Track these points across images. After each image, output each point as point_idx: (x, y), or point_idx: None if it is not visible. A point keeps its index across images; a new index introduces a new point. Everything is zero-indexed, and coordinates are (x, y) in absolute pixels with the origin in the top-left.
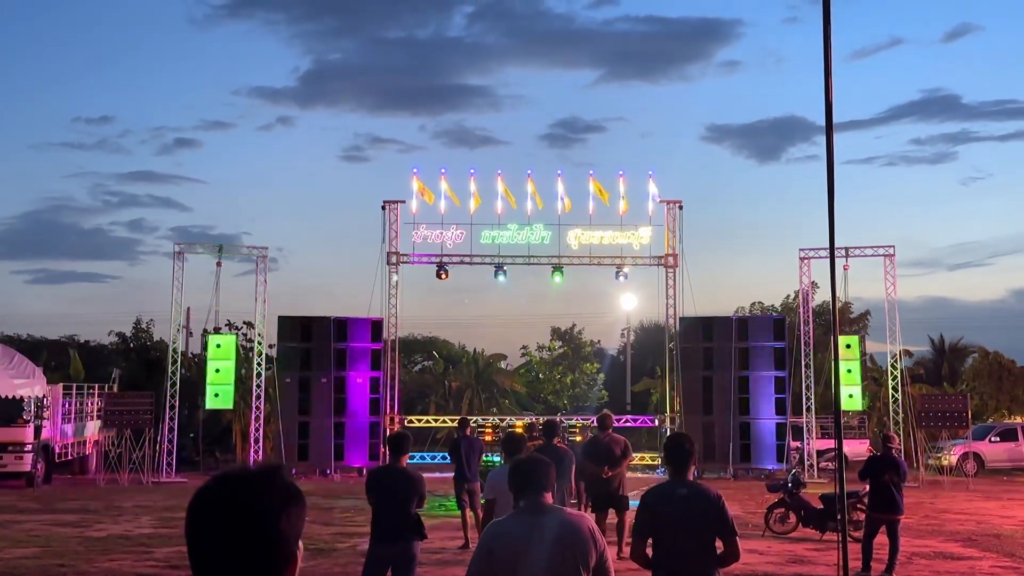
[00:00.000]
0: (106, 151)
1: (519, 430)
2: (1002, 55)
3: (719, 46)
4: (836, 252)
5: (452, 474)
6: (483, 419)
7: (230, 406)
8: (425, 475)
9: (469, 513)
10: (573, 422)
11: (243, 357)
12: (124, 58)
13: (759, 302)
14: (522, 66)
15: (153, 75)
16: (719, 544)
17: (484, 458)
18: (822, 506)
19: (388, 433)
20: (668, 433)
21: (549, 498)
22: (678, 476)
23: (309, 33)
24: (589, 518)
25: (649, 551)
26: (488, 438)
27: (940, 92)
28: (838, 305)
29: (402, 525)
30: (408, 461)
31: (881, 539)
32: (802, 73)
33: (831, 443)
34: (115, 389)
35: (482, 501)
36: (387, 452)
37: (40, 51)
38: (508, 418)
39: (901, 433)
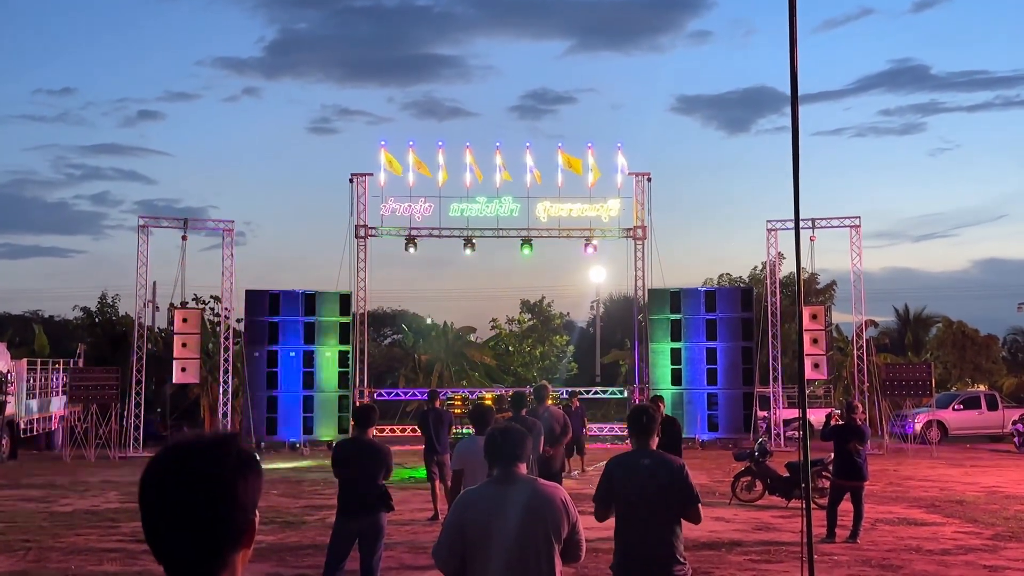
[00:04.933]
0: (68, 123)
1: (488, 402)
2: (971, 25)
3: (689, 16)
4: (802, 223)
5: (422, 446)
6: (452, 392)
7: (197, 380)
8: (394, 447)
9: (439, 485)
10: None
11: (210, 331)
12: (85, 29)
13: (727, 273)
14: (492, 36)
15: (115, 46)
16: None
17: (455, 432)
18: (788, 474)
19: (354, 405)
20: (632, 401)
21: (523, 468)
22: (642, 446)
23: (273, 2)
24: (563, 488)
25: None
26: (458, 411)
27: (909, 63)
28: (804, 276)
29: (369, 497)
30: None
31: (846, 506)
32: (772, 44)
33: (798, 412)
34: (80, 364)
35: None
36: (353, 424)
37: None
38: (478, 390)
39: (866, 402)
